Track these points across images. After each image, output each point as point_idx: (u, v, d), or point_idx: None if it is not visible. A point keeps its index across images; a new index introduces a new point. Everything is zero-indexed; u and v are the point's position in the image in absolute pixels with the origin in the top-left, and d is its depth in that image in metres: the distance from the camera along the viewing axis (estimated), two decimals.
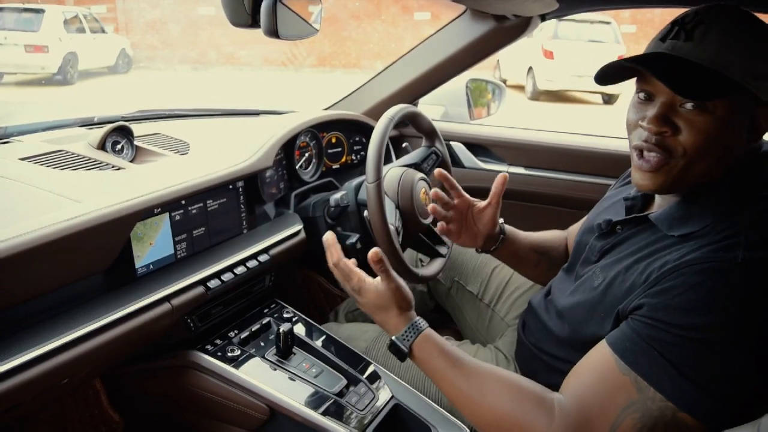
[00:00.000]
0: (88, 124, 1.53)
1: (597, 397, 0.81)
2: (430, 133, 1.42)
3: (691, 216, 0.85)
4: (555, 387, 0.89)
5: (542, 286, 1.31)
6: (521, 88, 10.65)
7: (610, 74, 0.90)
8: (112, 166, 1.19)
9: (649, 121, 0.84)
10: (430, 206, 1.17)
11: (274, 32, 0.91)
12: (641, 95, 0.88)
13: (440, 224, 1.22)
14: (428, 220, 1.36)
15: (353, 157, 1.80)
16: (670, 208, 0.89)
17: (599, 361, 0.83)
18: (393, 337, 0.96)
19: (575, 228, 1.34)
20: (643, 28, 12.39)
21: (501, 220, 1.26)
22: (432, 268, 1.38)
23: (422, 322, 0.97)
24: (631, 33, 12.07)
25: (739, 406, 0.76)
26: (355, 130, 1.79)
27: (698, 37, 0.81)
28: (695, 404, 0.75)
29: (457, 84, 1.88)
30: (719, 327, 0.75)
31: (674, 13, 0.92)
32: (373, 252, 0.94)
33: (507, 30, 1.59)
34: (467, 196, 1.23)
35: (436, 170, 1.19)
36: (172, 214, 1.13)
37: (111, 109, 1.74)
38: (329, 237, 1.03)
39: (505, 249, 1.28)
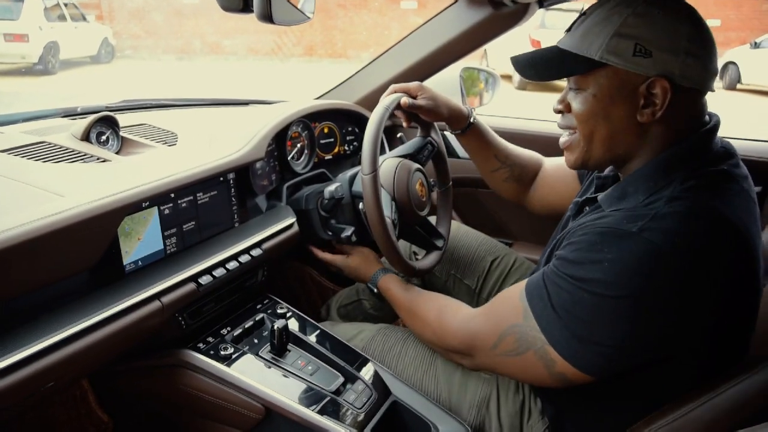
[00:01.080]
0: (71, 114, 1.48)
1: (495, 314, 0.99)
2: (426, 124, 1.39)
3: (627, 194, 0.91)
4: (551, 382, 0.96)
5: (496, 192, 1.48)
6: (509, 77, 10.63)
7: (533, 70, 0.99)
8: (97, 158, 1.14)
9: (555, 102, 0.99)
10: (403, 99, 1.24)
11: (268, 17, 0.87)
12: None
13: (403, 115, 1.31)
14: (424, 212, 1.33)
15: (346, 148, 1.76)
16: (612, 188, 0.97)
17: (512, 290, 0.99)
18: (367, 285, 1.31)
19: (560, 162, 1.34)
20: None
21: (474, 109, 1.38)
22: (428, 260, 1.35)
23: (386, 269, 1.31)
24: None
25: (623, 367, 0.86)
26: (348, 120, 1.75)
27: (574, 29, 0.93)
28: (559, 340, 0.87)
29: (451, 73, 1.84)
30: (595, 282, 0.83)
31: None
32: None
33: (504, 17, 1.55)
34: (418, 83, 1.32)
35: (402, 100, 1.24)
36: (161, 207, 1.08)
37: (94, 99, 1.68)
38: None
39: (470, 137, 1.38)
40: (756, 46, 10.40)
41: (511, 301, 0.96)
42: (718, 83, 10.99)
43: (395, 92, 1.27)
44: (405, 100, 1.24)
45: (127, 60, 13.41)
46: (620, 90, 0.88)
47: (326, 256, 1.41)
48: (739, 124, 7.41)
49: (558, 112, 0.99)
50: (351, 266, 1.35)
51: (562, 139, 1.00)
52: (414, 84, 1.30)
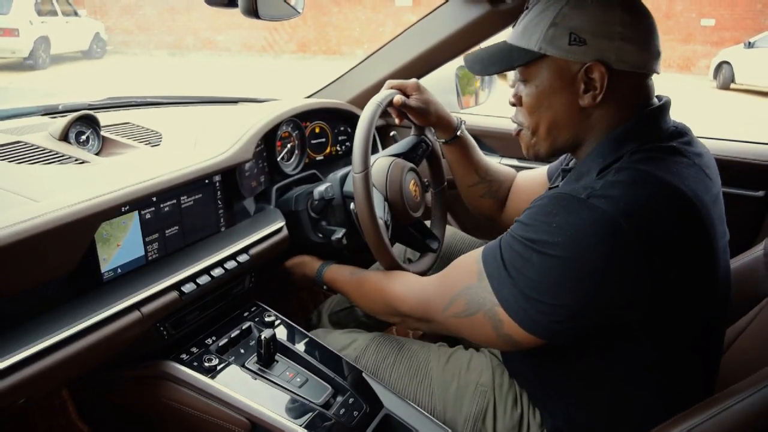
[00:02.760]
0: (51, 112, 1.42)
1: (450, 277, 1.00)
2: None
3: (582, 175, 0.93)
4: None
5: (470, 207, 1.46)
6: (504, 76, 10.59)
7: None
8: (75, 159, 1.09)
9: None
10: (396, 97, 1.21)
11: (253, 11, 0.82)
12: None
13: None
14: (418, 214, 1.28)
15: (338, 148, 1.71)
16: (569, 174, 1.00)
17: (471, 254, 0.99)
18: (315, 279, 1.31)
19: (530, 173, 1.41)
20: None
21: (463, 120, 1.36)
22: (422, 263, 1.31)
23: (328, 262, 1.32)
24: None
25: (569, 330, 0.86)
26: (341, 120, 1.70)
27: (517, 23, 0.98)
28: (508, 299, 0.88)
29: (446, 71, 1.79)
30: (544, 243, 0.84)
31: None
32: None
33: (502, 14, 1.50)
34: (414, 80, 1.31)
35: (395, 97, 1.21)
36: (142, 212, 1.03)
37: (84, 95, 1.62)
38: None
39: (454, 149, 1.36)
40: (750, 45, 10.42)
41: (468, 265, 0.97)
42: (712, 83, 11.05)
43: (391, 88, 1.23)
44: (398, 98, 1.22)
45: (118, 55, 13.29)
46: (560, 78, 0.92)
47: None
48: (733, 124, 7.42)
49: (513, 104, 1.03)
50: (290, 268, 1.38)
51: (513, 132, 1.05)
52: (411, 82, 1.28)
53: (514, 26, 0.99)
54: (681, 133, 0.94)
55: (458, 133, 1.33)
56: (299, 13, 1.06)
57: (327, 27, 14.67)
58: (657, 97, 0.97)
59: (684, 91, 10.37)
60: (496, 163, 1.43)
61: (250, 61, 13.57)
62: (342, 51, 14.38)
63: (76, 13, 11.88)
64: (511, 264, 0.88)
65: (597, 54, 0.89)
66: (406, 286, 1.10)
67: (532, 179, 1.38)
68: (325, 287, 1.30)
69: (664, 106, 0.95)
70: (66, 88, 8.87)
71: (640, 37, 0.90)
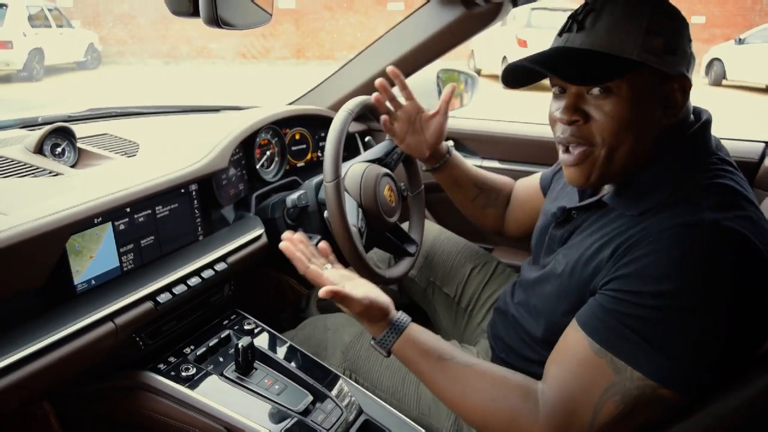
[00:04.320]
0: (30, 125, 1.42)
1: (576, 383, 0.80)
2: None
3: (644, 193, 0.84)
4: None
5: (476, 225, 1.40)
6: (496, 77, 10.62)
7: (518, 77, 0.92)
8: (49, 172, 1.09)
9: (561, 112, 0.86)
10: (374, 96, 1.18)
11: (214, 20, 0.82)
12: (556, 90, 0.90)
13: (383, 118, 1.22)
14: (394, 219, 1.28)
15: (319, 154, 1.71)
16: (622, 187, 0.89)
17: (573, 345, 0.82)
18: (372, 342, 0.97)
19: (526, 182, 1.36)
20: None
21: (450, 143, 1.31)
22: (399, 268, 1.31)
23: (402, 322, 0.96)
24: None
25: (715, 372, 0.75)
26: (321, 126, 1.70)
27: (588, 26, 0.83)
28: (672, 377, 0.75)
29: (427, 75, 1.79)
30: (688, 291, 0.74)
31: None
32: (324, 291, 0.90)
33: (477, 17, 1.51)
34: (416, 101, 1.27)
35: (389, 67, 1.19)
36: (116, 223, 1.03)
37: (75, 106, 1.62)
38: (286, 247, 0.96)
39: (447, 171, 1.32)
40: (740, 42, 10.45)
41: (586, 362, 0.79)
42: (703, 79, 11.07)
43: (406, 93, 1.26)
44: (385, 118, 1.22)
45: (113, 65, 13.30)
46: (651, 92, 0.83)
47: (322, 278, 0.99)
48: (727, 121, 7.42)
49: (571, 123, 0.86)
50: (360, 299, 0.93)
51: (570, 157, 0.87)
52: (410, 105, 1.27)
53: (579, 30, 0.84)
54: (720, 145, 0.90)
55: (448, 156, 1.31)
56: (268, 17, 1.03)
57: (320, 33, 14.69)
58: (697, 108, 0.93)
59: None
60: (487, 172, 1.40)
61: (244, 69, 13.58)
62: (336, 56, 14.39)
63: (69, 24, 11.89)
64: (655, 336, 0.75)
65: (683, 66, 0.82)
66: (530, 407, 0.83)
67: (529, 187, 1.34)
68: (387, 354, 0.97)
69: (710, 120, 0.90)
70: (59, 100, 8.86)
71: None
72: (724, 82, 10.81)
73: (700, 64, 11.48)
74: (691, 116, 0.90)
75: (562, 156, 0.90)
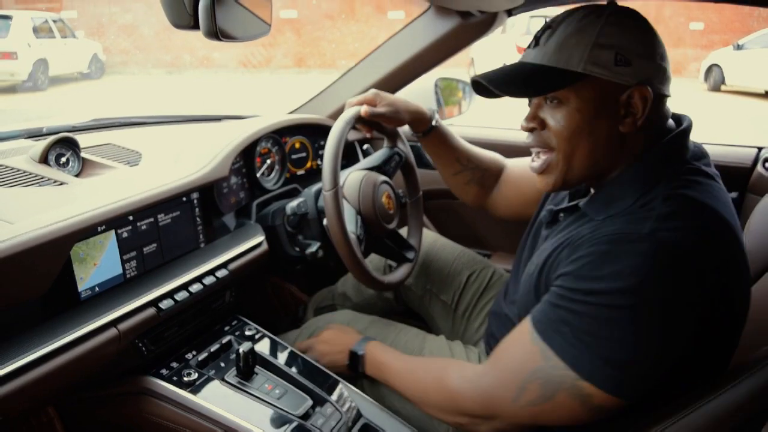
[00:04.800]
0: (35, 135, 1.45)
1: (509, 363, 0.90)
2: (392, 134, 1.37)
3: (614, 199, 0.88)
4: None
5: (457, 197, 1.43)
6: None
7: (485, 90, 0.95)
8: (54, 181, 1.11)
9: (523, 120, 0.94)
10: (363, 109, 1.21)
11: (213, 33, 0.84)
12: (528, 101, 0.95)
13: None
14: (392, 225, 1.30)
15: (319, 162, 1.73)
16: (596, 193, 0.93)
17: (518, 331, 0.91)
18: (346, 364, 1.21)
19: (518, 164, 1.37)
20: None
21: (435, 109, 1.34)
22: (398, 274, 1.33)
23: (363, 348, 1.21)
24: None
25: (654, 382, 0.80)
26: (320, 134, 1.72)
27: (543, 42, 0.89)
28: (592, 371, 0.79)
29: (424, 83, 1.82)
30: (617, 292, 0.78)
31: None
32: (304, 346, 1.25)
33: (473, 26, 1.53)
34: (390, 98, 1.29)
35: (362, 109, 1.21)
36: (119, 231, 1.05)
37: (81, 116, 1.65)
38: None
39: (432, 140, 1.35)
40: (739, 48, 10.48)
41: (523, 347, 0.88)
42: (702, 85, 11.09)
43: (353, 105, 1.25)
44: (366, 109, 1.22)
45: (116, 75, 13.38)
46: (603, 102, 0.86)
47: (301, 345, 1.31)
48: (724, 127, 7.44)
49: (529, 130, 0.93)
50: (319, 349, 1.27)
51: (536, 163, 0.94)
52: (369, 93, 1.28)
53: (534, 46, 0.91)
54: (703, 154, 0.91)
55: (434, 123, 1.33)
56: (268, 26, 1.04)
57: (321, 41, 14.77)
58: (673, 116, 0.95)
59: (676, 94, 10.41)
60: (478, 149, 1.41)
61: (247, 78, 13.65)
62: (337, 64, 14.46)
63: (73, 35, 11.98)
64: (582, 330, 0.80)
65: (641, 75, 0.85)
66: (466, 381, 0.97)
67: (525, 167, 1.32)
68: (362, 370, 1.20)
69: (689, 128, 0.92)
70: (63, 110, 8.93)
71: (667, 58, 0.89)
72: (723, 87, 10.84)
73: (698, 70, 11.52)
74: (671, 123, 0.93)
75: (531, 164, 0.96)
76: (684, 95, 10.22)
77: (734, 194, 1.51)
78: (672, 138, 0.89)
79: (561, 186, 0.93)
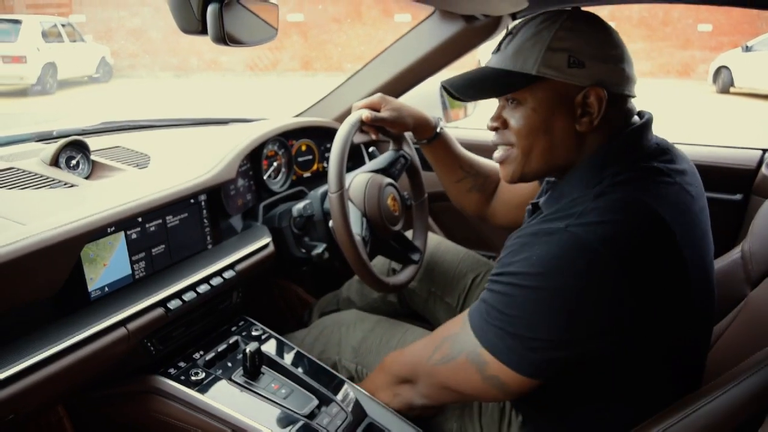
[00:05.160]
0: (45, 138, 1.47)
1: (437, 332, 1.04)
2: (397, 137, 1.38)
3: (563, 195, 0.92)
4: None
5: (458, 207, 1.46)
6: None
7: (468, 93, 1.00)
8: (65, 184, 1.13)
9: (489, 120, 1.00)
10: (365, 114, 1.23)
11: (221, 39, 0.86)
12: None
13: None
14: (397, 227, 1.31)
15: (325, 165, 1.75)
16: (551, 191, 0.97)
17: (460, 314, 1.00)
18: None
19: None
20: (621, 25, 12.45)
21: (440, 118, 1.38)
22: (403, 275, 1.34)
23: None
24: None
25: (556, 363, 0.85)
26: (326, 137, 1.74)
27: (503, 48, 0.95)
28: (490, 339, 0.88)
29: (430, 87, 1.83)
30: (521, 275, 0.85)
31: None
32: None
33: (477, 30, 1.55)
34: (393, 103, 1.31)
35: (364, 114, 1.23)
36: (128, 232, 1.07)
37: (89, 119, 1.68)
38: None
39: (436, 147, 1.37)
40: (748, 49, 10.43)
41: (455, 320, 1.00)
42: (711, 87, 11.04)
43: (359, 109, 1.27)
44: (367, 114, 1.24)
45: (124, 78, 13.48)
46: (558, 102, 0.91)
47: None
48: (733, 129, 7.41)
49: (494, 129, 0.99)
50: None
51: (497, 154, 1.01)
52: (376, 97, 1.30)
53: (496, 52, 0.96)
54: (663, 150, 0.93)
55: (438, 130, 1.35)
56: (275, 30, 1.06)
57: (328, 45, 14.82)
58: (638, 113, 0.97)
59: (684, 97, 10.39)
60: (478, 157, 1.43)
61: (254, 81, 13.72)
62: (344, 68, 14.50)
63: (82, 39, 12.08)
64: (492, 304, 0.89)
65: (595, 77, 0.88)
66: (398, 352, 1.12)
67: None
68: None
69: (646, 124, 0.94)
70: (71, 113, 9.00)
71: (625, 59, 0.91)
72: (731, 89, 10.79)
73: (707, 71, 11.47)
74: (635, 120, 0.95)
75: (494, 155, 1.02)
76: (692, 97, 10.21)
77: (738, 196, 1.51)
78: (626, 135, 0.92)
79: (519, 178, 0.99)
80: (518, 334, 0.85)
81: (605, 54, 0.89)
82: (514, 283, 0.86)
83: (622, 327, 0.84)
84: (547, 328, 0.84)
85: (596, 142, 0.92)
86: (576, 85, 0.89)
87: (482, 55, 11.95)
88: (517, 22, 0.96)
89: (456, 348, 0.94)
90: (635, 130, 0.92)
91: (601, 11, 1.04)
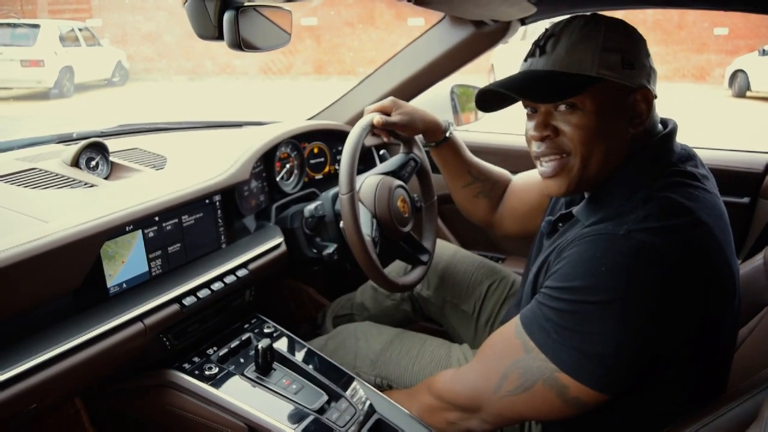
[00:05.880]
0: (65, 140, 1.51)
1: (494, 355, 0.96)
2: (408, 140, 1.41)
3: (602, 204, 0.91)
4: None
5: (464, 214, 1.46)
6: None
7: (491, 101, 0.99)
8: (85, 184, 1.17)
9: (534, 129, 0.94)
10: (376, 118, 1.25)
11: (237, 44, 0.89)
12: (528, 110, 0.97)
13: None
14: (407, 228, 1.34)
15: (336, 167, 1.78)
16: (587, 200, 0.96)
17: (505, 328, 0.96)
18: None
19: (526, 175, 1.39)
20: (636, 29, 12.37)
21: (450, 123, 1.38)
22: (413, 275, 1.36)
23: None
24: None
25: (631, 375, 0.83)
26: (338, 140, 1.77)
27: (549, 49, 0.91)
28: (568, 362, 0.83)
29: (441, 90, 1.86)
30: (592, 289, 0.82)
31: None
32: None
33: (487, 35, 1.57)
34: (405, 107, 1.33)
35: (375, 118, 1.25)
36: (145, 231, 1.11)
37: (105, 122, 1.72)
38: None
39: (445, 151, 1.38)
40: (765, 53, 10.31)
41: (507, 341, 0.93)
42: (727, 91, 10.93)
43: (370, 113, 1.29)
44: (378, 118, 1.26)
45: (140, 82, 13.64)
46: (615, 105, 0.89)
47: None
48: (749, 133, 7.34)
49: (542, 138, 0.93)
50: None
51: (547, 167, 0.94)
52: (387, 101, 1.32)
53: (539, 55, 0.92)
54: (690, 156, 0.94)
55: (447, 134, 1.36)
56: (288, 35, 1.09)
57: (341, 48, 14.89)
58: (661, 120, 0.97)
59: (700, 101, 10.30)
60: (487, 164, 1.44)
61: (267, 84, 13.82)
62: (357, 71, 14.56)
63: (98, 43, 12.24)
64: (562, 325, 0.84)
65: (643, 78, 0.88)
66: (450, 379, 1.04)
67: (529, 178, 1.37)
68: None
69: (674, 129, 0.95)
70: (88, 116, 9.13)
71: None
72: (748, 93, 10.66)
73: (723, 75, 11.36)
74: (659, 127, 0.95)
75: (540, 169, 0.97)
76: (708, 102, 10.11)
77: (746, 199, 1.52)
78: (657, 141, 0.92)
79: (574, 189, 0.94)
80: (597, 353, 0.82)
81: (645, 55, 0.90)
82: (584, 300, 0.82)
83: (689, 332, 0.83)
84: (626, 341, 0.81)
85: (637, 146, 0.92)
86: (628, 87, 0.88)
87: (495, 60, 11.97)
88: (556, 21, 0.94)
89: (529, 376, 0.88)
90: (666, 135, 0.93)
91: (615, 15, 1.06)
